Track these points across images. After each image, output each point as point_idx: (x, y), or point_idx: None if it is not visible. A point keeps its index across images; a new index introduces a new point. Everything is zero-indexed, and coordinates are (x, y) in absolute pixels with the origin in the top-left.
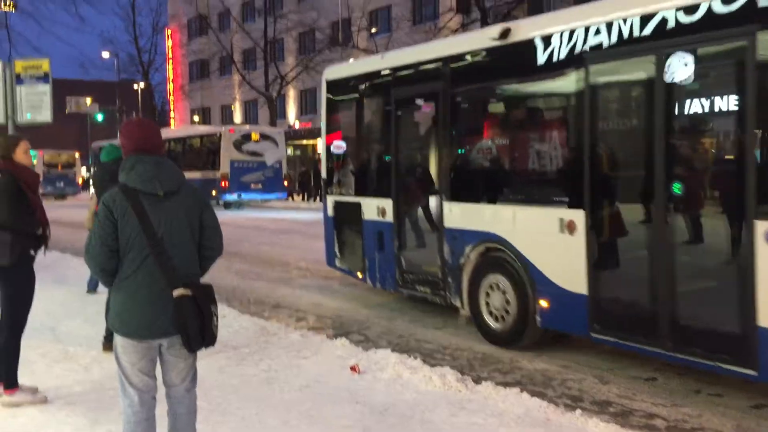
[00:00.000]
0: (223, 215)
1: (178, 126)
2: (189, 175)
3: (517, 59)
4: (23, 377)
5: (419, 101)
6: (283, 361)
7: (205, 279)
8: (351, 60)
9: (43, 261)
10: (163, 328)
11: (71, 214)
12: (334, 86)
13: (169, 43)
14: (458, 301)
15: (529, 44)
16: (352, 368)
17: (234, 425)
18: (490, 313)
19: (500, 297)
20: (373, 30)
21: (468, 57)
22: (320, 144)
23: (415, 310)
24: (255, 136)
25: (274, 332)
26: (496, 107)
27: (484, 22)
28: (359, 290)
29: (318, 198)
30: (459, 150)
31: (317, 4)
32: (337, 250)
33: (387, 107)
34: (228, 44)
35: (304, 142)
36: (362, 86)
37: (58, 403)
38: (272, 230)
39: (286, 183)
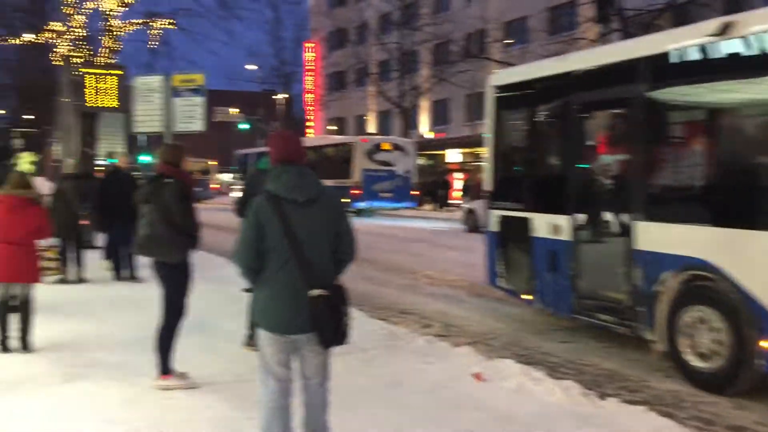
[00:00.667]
0: (354, 222)
1: (315, 135)
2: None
3: (741, 57)
4: (175, 364)
5: (607, 106)
6: (410, 365)
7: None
8: (490, 69)
9: (192, 260)
10: (300, 325)
11: (212, 217)
12: (502, 92)
13: (309, 55)
14: (651, 334)
15: (761, 40)
16: (476, 376)
17: (362, 422)
18: (694, 351)
19: (707, 333)
20: (509, 41)
21: (673, 56)
22: (485, 153)
23: (540, 323)
24: (387, 146)
25: (401, 337)
26: (711, 111)
27: (625, 32)
28: (485, 301)
29: (447, 208)
30: (657, 161)
31: (453, 17)
32: (500, 268)
33: (566, 113)
34: (365, 56)
35: (436, 152)
36: (536, 91)
37: (205, 389)
38: (401, 238)
39: (416, 192)
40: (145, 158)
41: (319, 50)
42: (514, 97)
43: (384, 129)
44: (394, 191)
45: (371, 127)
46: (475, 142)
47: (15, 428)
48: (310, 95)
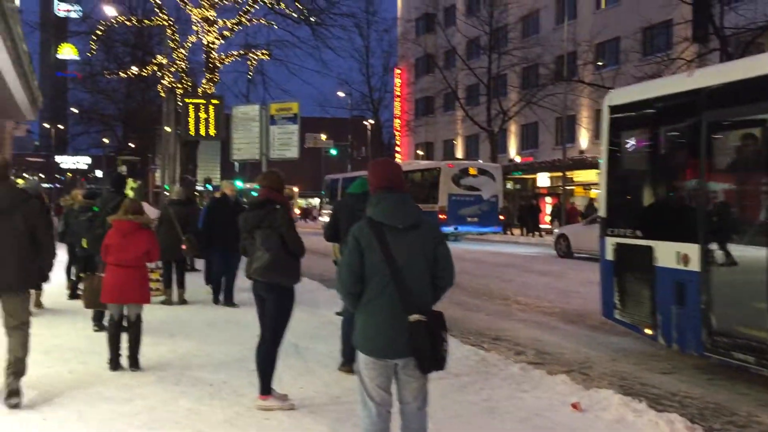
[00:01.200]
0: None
1: (402, 160)
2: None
3: None
4: (273, 385)
5: (745, 124)
6: (504, 392)
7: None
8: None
9: None
10: (399, 350)
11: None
12: (620, 111)
13: (397, 81)
14: None
15: None
16: (573, 405)
17: None
18: None
19: None
20: (600, 63)
21: None
22: (600, 177)
23: (639, 353)
24: (473, 170)
25: (494, 363)
26: None
27: (724, 53)
28: (580, 329)
29: (537, 233)
30: None
31: (542, 40)
32: (617, 300)
33: (695, 133)
34: (453, 81)
35: (526, 176)
36: (660, 110)
37: (303, 411)
38: (490, 263)
39: (502, 217)
40: (239, 184)
41: (406, 76)
42: (633, 117)
43: (472, 153)
44: (480, 216)
45: (459, 151)
46: (566, 165)
47: None
48: (398, 121)
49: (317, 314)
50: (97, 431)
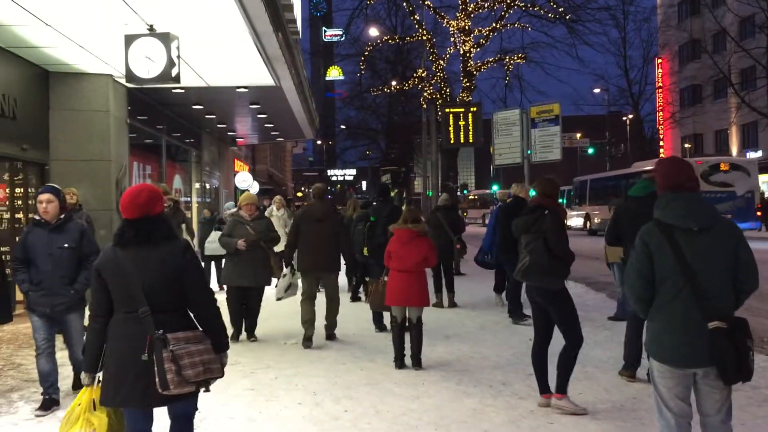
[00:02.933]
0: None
1: (666, 155)
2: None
3: None
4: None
5: None
6: None
7: None
8: None
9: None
10: (698, 358)
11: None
12: None
13: (659, 72)
14: None
15: None
16: None
17: None
18: None
19: None
20: None
21: None
22: None
23: None
24: (724, 166)
25: None
26: None
27: None
28: None
29: None
30: None
31: None
32: None
33: None
34: (724, 66)
35: None
36: None
37: (586, 417)
38: None
39: (759, 213)
40: (495, 188)
41: (668, 66)
42: None
43: (749, 142)
44: (734, 213)
45: (734, 142)
46: None
47: None
48: (660, 113)
49: (588, 318)
50: (392, 425)
